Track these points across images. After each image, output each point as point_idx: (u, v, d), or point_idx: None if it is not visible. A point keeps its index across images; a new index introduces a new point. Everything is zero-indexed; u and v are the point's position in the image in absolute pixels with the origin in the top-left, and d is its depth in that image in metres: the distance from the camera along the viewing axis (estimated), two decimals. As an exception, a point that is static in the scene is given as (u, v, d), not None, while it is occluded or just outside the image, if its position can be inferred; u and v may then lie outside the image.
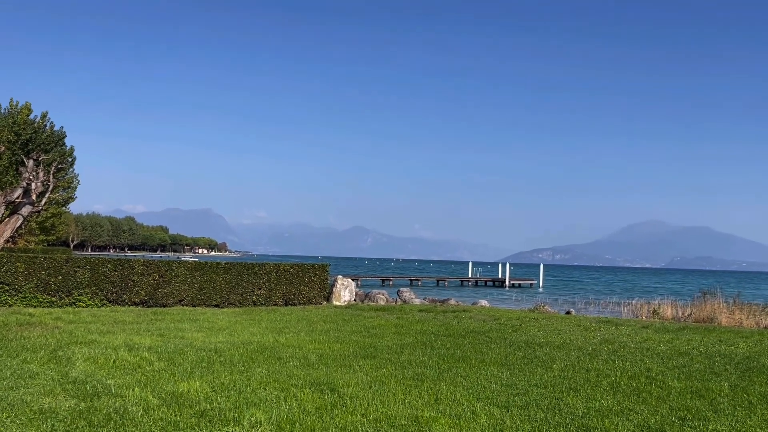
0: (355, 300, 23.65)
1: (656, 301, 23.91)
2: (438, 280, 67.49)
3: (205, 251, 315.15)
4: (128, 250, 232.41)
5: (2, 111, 52.97)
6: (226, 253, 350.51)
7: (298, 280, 21.91)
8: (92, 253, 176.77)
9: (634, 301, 30.41)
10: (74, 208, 63.97)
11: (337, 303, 22.85)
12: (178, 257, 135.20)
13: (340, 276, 24.20)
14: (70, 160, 56.56)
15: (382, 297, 24.18)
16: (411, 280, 65.42)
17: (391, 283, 59.65)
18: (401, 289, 25.79)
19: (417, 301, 24.39)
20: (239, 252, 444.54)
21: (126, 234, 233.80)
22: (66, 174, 56.60)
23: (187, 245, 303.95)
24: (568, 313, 22.96)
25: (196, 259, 26.48)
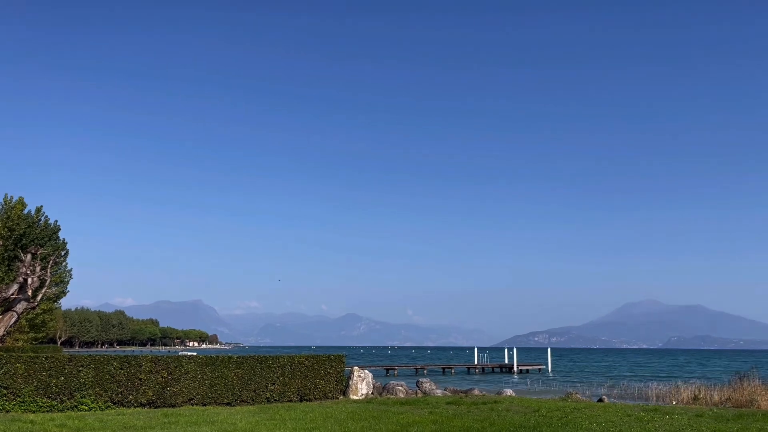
0: (372, 393, 22.18)
1: (693, 385, 22.63)
2: (444, 368, 65.18)
3: (196, 344, 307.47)
4: (117, 345, 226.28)
5: (-2, 206, 52.37)
6: (218, 346, 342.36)
7: (313, 373, 20.53)
8: (80, 350, 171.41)
9: (654, 385, 29.12)
10: (62, 303, 62.11)
11: (355, 397, 21.38)
12: (175, 352, 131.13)
13: (356, 367, 22.81)
14: (63, 253, 55.48)
15: (401, 389, 22.71)
16: (416, 369, 63.10)
17: (396, 372, 57.43)
18: (421, 380, 24.33)
19: (439, 392, 22.93)
20: (230, 344, 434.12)
21: (115, 329, 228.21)
22: (59, 268, 55.32)
23: (177, 338, 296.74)
24: (600, 400, 21.59)
25: (194, 353, 25.10)
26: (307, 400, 20.02)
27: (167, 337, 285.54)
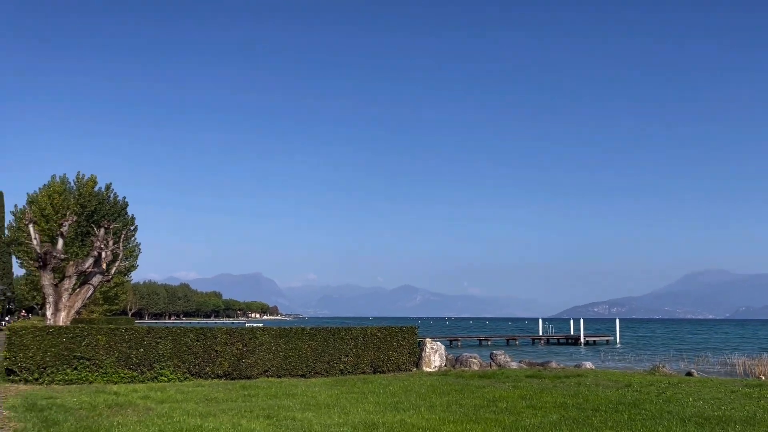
0: (445, 365, 21.63)
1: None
2: (508, 339, 64.27)
3: (258, 315, 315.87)
4: (183, 316, 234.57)
5: (70, 184, 54.09)
6: (279, 317, 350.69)
7: (386, 345, 20.12)
8: (150, 321, 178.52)
9: (742, 359, 27.49)
10: (132, 276, 64.18)
11: (428, 369, 20.88)
12: (240, 323, 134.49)
13: (428, 339, 22.29)
14: (132, 228, 56.95)
15: (475, 361, 22.07)
16: (480, 340, 62.50)
17: (459, 343, 56.92)
18: (494, 352, 23.60)
19: (514, 365, 22.18)
20: (290, 315, 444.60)
21: (181, 301, 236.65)
22: (129, 243, 56.87)
23: (239, 310, 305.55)
24: (689, 374, 20.36)
25: (261, 324, 25.13)
26: (380, 372, 19.66)
27: (230, 308, 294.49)
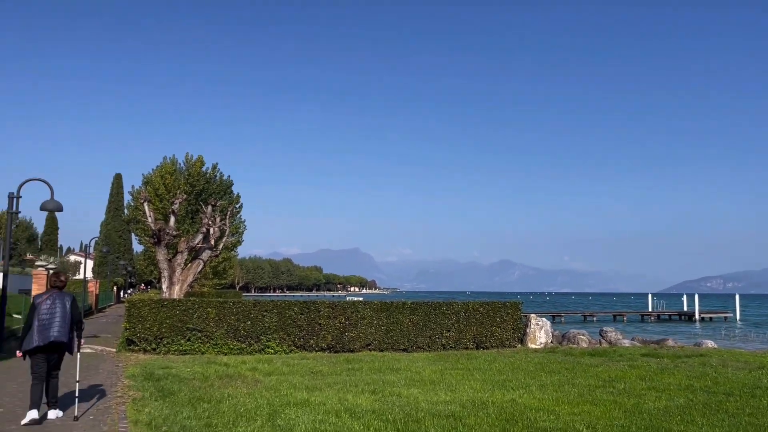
0: (552, 342, 20.77)
1: None
2: (615, 315, 61.53)
3: (356, 289, 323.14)
4: (287, 290, 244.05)
5: (180, 165, 56.92)
6: (377, 291, 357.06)
7: (489, 320, 19.56)
8: (255, 294, 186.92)
9: None
10: (238, 251, 67.04)
11: (533, 345, 20.13)
12: (340, 297, 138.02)
13: (533, 314, 21.48)
14: (237, 206, 59.18)
15: (583, 338, 21.05)
16: (584, 316, 60.29)
17: (563, 319, 55.15)
18: (605, 328, 22.43)
19: (626, 342, 20.94)
20: (388, 289, 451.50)
21: (284, 275, 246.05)
22: (234, 220, 59.18)
23: (339, 284, 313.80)
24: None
25: (361, 298, 25.26)
26: (483, 348, 19.17)
27: (330, 282, 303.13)
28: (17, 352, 8.05)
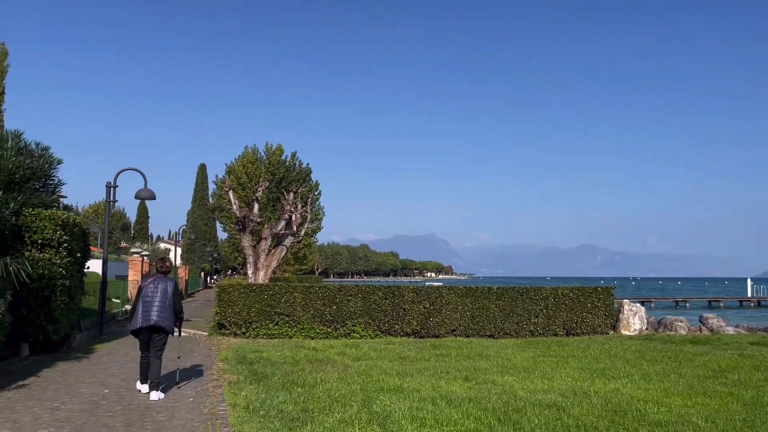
0: (647, 328, 19.74)
1: None
2: (710, 301, 58.32)
3: (433, 275, 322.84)
4: (364, 275, 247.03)
5: (261, 154, 58.32)
6: (454, 276, 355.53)
7: (579, 306, 18.79)
8: (334, 280, 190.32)
9: None
10: (317, 238, 68.16)
11: (627, 332, 19.19)
12: (417, 282, 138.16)
13: (626, 300, 20.47)
14: (317, 193, 60.05)
15: (681, 325, 19.87)
16: (676, 302, 57.46)
17: (652, 305, 52.74)
18: (705, 315, 21.11)
19: (730, 330, 19.62)
20: (465, 275, 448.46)
21: (362, 261, 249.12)
22: (314, 206, 60.11)
23: (415, 270, 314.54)
24: None
25: (441, 284, 24.92)
26: (573, 335, 18.45)
27: (407, 268, 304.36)
28: (129, 330, 8.80)
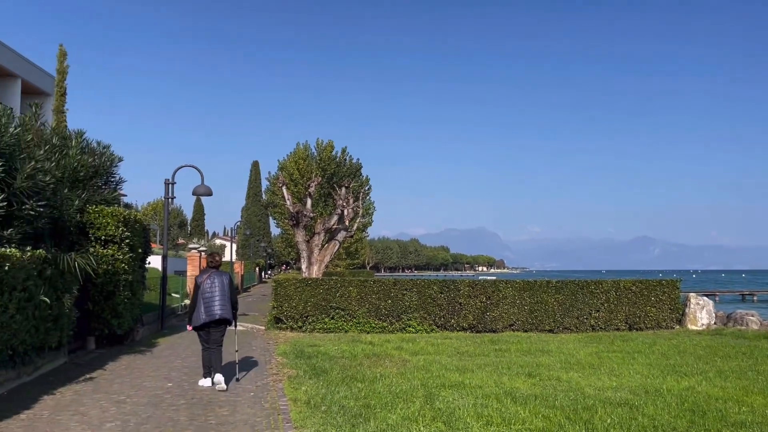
0: (715, 323, 18.85)
1: None
2: (781, 294, 55.79)
3: (484, 269, 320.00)
4: (414, 270, 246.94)
5: (312, 151, 58.85)
6: (506, 270, 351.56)
7: (642, 300, 18.08)
8: (385, 274, 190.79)
9: None
10: (368, 232, 68.42)
11: (694, 327, 18.36)
12: (470, 276, 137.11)
13: (692, 293, 19.60)
14: (367, 188, 60.17)
15: (753, 319, 18.88)
16: (743, 295, 55.17)
17: (717, 298, 50.71)
18: (778, 308, 20.03)
19: (807, 325, 18.53)
20: (517, 269, 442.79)
21: (412, 255, 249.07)
22: (365, 201, 60.25)
23: (467, 264, 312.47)
24: None
25: (495, 278, 24.47)
26: (636, 330, 17.78)
27: (457, 262, 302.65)
28: (188, 326, 8.96)
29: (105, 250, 11.84)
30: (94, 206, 11.82)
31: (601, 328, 17.64)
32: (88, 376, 9.26)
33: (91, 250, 11.48)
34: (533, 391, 8.37)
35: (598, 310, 17.77)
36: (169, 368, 10.13)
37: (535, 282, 17.91)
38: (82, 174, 11.55)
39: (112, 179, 12.64)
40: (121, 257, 12.06)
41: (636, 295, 18.06)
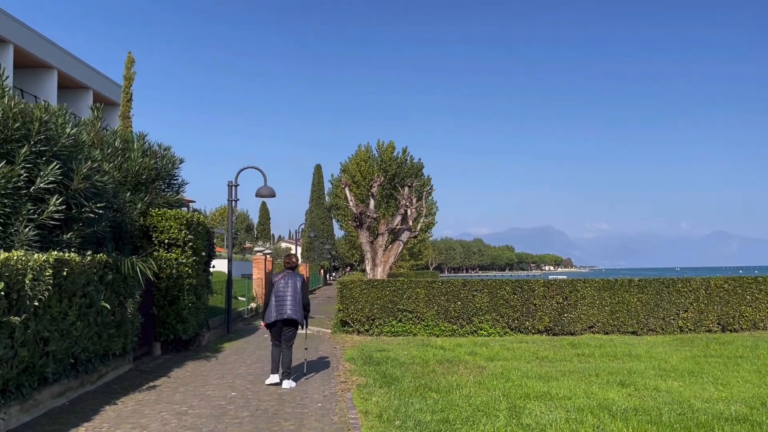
0: (819, 324, 17.08)
1: None
2: None
3: (551, 268, 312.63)
4: (479, 270, 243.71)
5: (373, 152, 58.65)
6: (573, 269, 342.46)
7: (737, 299, 16.58)
8: (449, 275, 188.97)
9: None
10: (431, 233, 67.55)
11: (796, 328, 16.71)
12: (542, 275, 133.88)
13: (793, 291, 17.83)
14: (429, 188, 59.37)
15: None
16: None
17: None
18: None
19: None
20: (585, 267, 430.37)
21: (476, 255, 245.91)
22: (427, 201, 59.29)
23: (533, 263, 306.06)
24: None
25: (565, 277, 23.23)
26: (730, 331, 16.31)
27: (523, 261, 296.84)
28: (261, 322, 9.34)
29: (168, 254, 11.61)
30: (157, 209, 11.61)
31: (690, 329, 16.27)
32: (151, 384, 8.94)
33: (155, 254, 11.27)
34: (631, 403, 7.43)
35: (686, 310, 16.41)
36: (234, 375, 9.72)
37: (616, 281, 16.71)
38: (144, 177, 11.36)
39: (175, 182, 12.43)
40: (184, 261, 11.81)
41: (729, 294, 16.59)
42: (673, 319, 16.33)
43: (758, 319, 16.57)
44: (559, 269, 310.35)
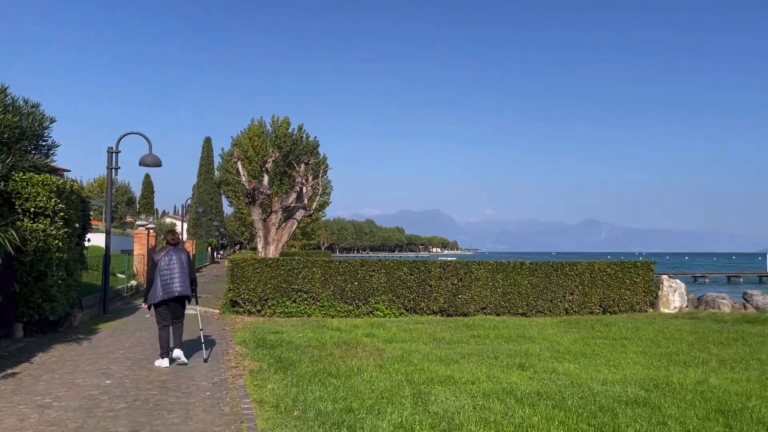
0: (686, 306, 18.44)
1: None
2: (729, 277, 57.05)
3: (438, 250, 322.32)
4: (370, 251, 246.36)
5: (267, 127, 56.85)
6: (460, 252, 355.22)
7: (617, 282, 17.48)
8: (340, 255, 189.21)
9: None
10: (325, 212, 66.89)
11: (666, 310, 17.92)
12: (431, 257, 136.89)
13: (665, 276, 19.12)
14: (325, 166, 58.56)
15: (725, 302, 18.58)
16: (694, 277, 56.17)
17: (707, 280, 51.69)
18: (749, 292, 19.79)
19: (778, 308, 18.29)
20: (470, 250, 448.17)
21: (367, 236, 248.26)
22: (323, 180, 58.54)
23: (421, 245, 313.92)
24: None
25: (454, 258, 23.67)
26: (610, 313, 17.17)
27: (412, 243, 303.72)
28: (143, 304, 8.78)
29: (35, 225, 10.25)
30: (22, 173, 10.20)
31: (575, 311, 16.95)
32: (9, 371, 7.79)
33: (18, 224, 9.89)
34: (533, 386, 7.36)
35: (572, 293, 17.08)
36: (109, 360, 8.72)
37: (509, 263, 17.04)
38: (6, 136, 9.90)
39: (44, 143, 11.00)
40: (54, 233, 10.49)
41: (611, 278, 17.44)
42: (560, 302, 16.93)
43: (635, 302, 17.56)
44: (446, 251, 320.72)
